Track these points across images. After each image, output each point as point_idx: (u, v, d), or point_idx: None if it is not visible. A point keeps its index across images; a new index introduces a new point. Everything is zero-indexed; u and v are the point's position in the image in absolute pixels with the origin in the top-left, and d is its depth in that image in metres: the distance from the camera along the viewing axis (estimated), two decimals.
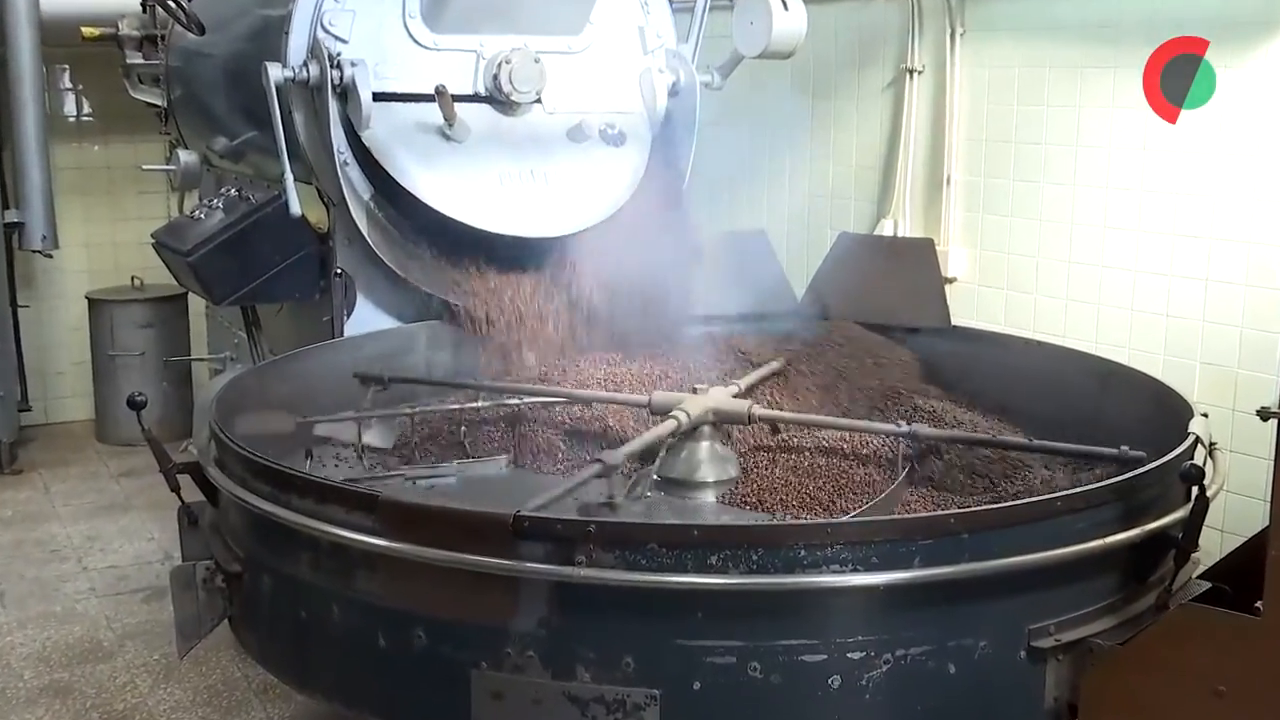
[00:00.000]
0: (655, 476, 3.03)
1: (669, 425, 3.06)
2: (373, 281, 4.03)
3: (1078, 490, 2.59)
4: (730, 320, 4.11)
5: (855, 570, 2.33)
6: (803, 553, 2.31)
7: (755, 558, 2.31)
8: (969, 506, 2.83)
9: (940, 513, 2.69)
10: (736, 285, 4.14)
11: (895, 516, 2.76)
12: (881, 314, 4.06)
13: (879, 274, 4.15)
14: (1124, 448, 2.95)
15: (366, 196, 3.94)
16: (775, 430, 3.28)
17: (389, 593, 2.51)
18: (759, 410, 3.23)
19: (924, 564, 2.35)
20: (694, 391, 3.30)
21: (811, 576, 2.32)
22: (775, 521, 2.85)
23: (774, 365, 3.69)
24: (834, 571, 2.32)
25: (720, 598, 2.33)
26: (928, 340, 3.99)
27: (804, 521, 2.76)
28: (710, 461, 3.11)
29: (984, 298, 4.74)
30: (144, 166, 6.11)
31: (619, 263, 3.88)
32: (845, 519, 2.74)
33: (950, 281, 4.73)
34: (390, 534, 2.45)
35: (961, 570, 2.36)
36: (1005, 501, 2.82)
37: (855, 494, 2.99)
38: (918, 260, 4.12)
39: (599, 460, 2.78)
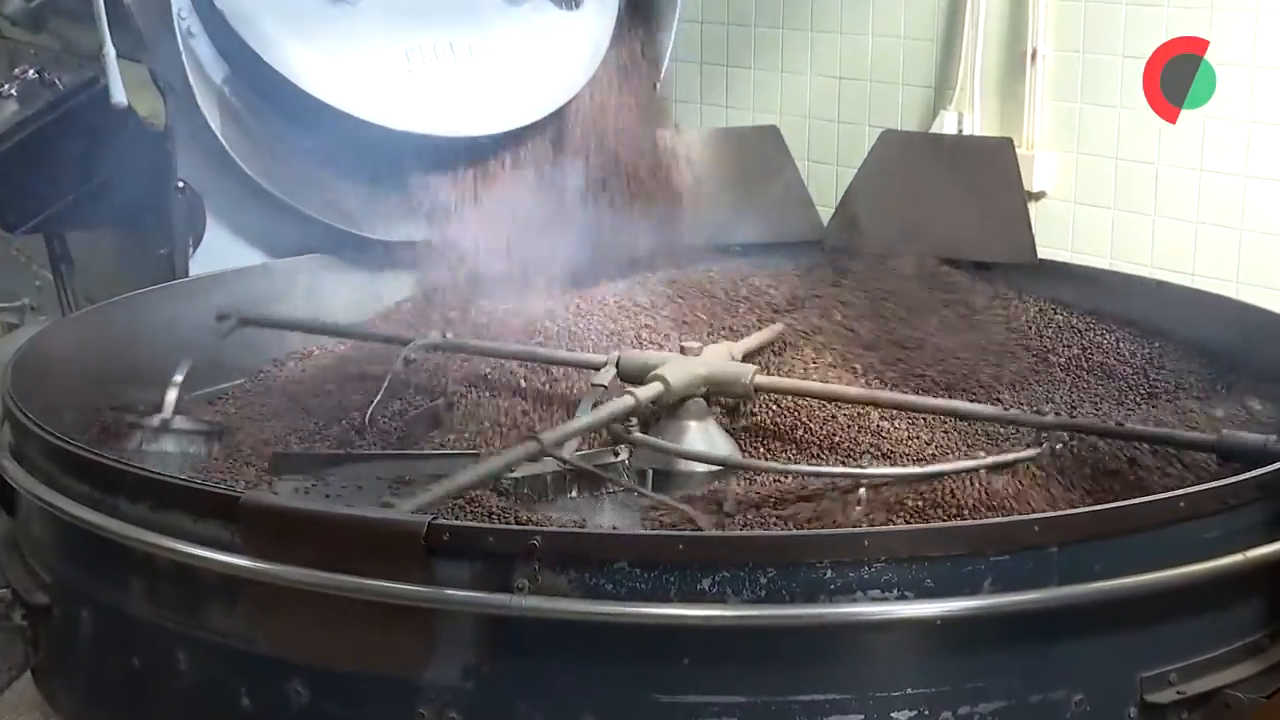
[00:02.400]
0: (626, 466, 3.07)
1: (647, 392, 3.12)
2: (229, 199, 4.03)
3: (1209, 486, 2.61)
4: (732, 253, 4.13)
5: (903, 597, 2.35)
6: (830, 573, 2.33)
7: (764, 580, 2.32)
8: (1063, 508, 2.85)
9: (1019, 518, 2.70)
10: (740, 203, 4.15)
11: (957, 524, 2.78)
12: (941, 243, 4.08)
13: (937, 188, 4.17)
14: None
15: (219, 80, 3.94)
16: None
17: (256, 632, 2.52)
18: (763, 379, 3.26)
19: (997, 588, 2.37)
20: (682, 351, 3.32)
21: (842, 606, 2.34)
22: (792, 530, 2.87)
23: (775, 328, 3.71)
24: (873, 599, 2.34)
25: (716, 636, 2.35)
26: (1005, 279, 4.02)
27: (831, 530, 2.78)
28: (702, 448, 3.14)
29: (1083, 220, 4.77)
30: None
31: (573, 170, 3.89)
32: (889, 527, 2.76)
33: (1036, 198, 4.75)
34: (257, 550, 2.46)
35: (1049, 597, 2.39)
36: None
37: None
38: (991, 169, 4.14)
39: (533, 438, 2.84)
